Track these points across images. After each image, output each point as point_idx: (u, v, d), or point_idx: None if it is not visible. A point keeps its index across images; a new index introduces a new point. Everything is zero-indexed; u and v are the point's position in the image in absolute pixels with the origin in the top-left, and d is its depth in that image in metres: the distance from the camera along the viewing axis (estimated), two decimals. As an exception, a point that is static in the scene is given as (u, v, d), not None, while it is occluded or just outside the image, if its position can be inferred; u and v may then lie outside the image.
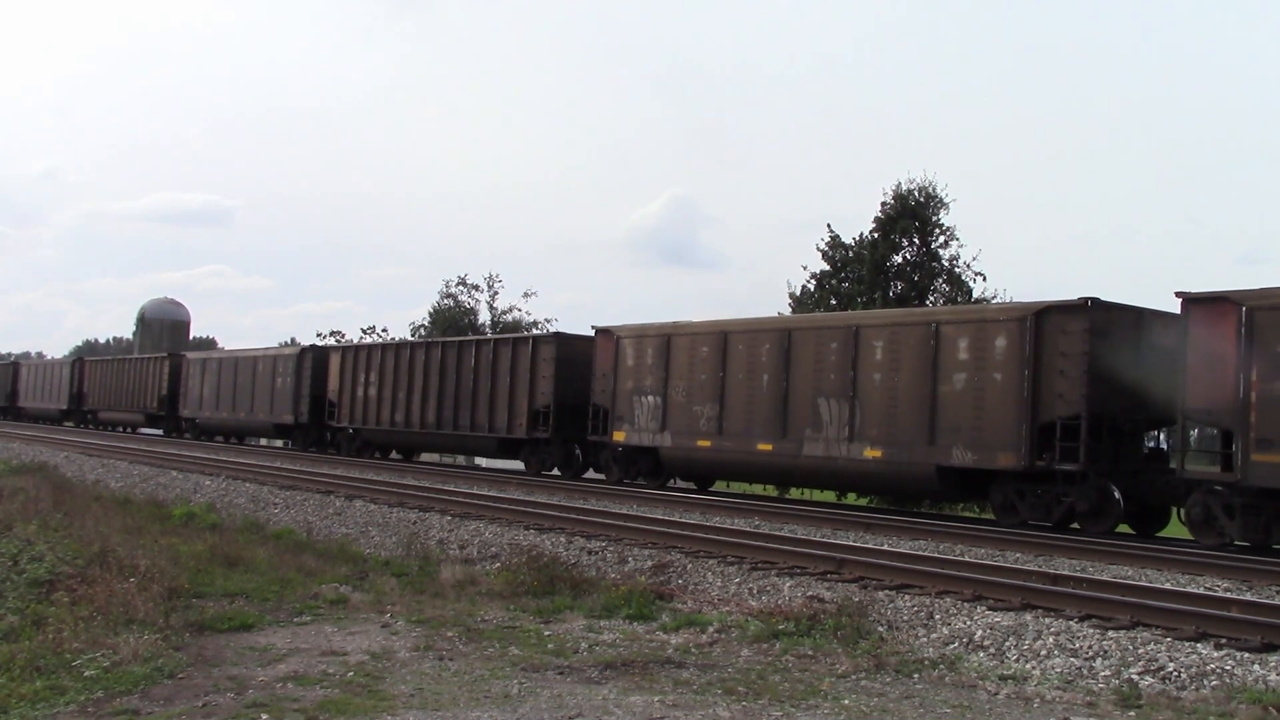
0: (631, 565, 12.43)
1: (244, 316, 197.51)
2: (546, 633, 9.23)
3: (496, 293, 53.44)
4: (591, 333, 24.62)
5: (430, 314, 53.89)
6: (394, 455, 33.22)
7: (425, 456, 35.78)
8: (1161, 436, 18.53)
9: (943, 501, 18.83)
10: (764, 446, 19.86)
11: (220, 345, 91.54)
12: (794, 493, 25.51)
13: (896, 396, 17.94)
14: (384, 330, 55.40)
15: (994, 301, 17.34)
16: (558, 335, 25.90)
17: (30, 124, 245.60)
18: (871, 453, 18.18)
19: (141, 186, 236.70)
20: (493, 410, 26.70)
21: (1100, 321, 16.00)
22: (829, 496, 26.52)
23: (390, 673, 7.70)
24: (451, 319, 51.98)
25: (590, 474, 25.87)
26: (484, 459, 34.94)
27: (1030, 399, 16.15)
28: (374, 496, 18.93)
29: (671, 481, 23.62)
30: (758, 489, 26.35)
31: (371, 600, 10.72)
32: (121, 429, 49.00)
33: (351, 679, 7.46)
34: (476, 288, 53.55)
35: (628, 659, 8.19)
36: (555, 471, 26.16)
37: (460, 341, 29.02)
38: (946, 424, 17.19)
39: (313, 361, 34.60)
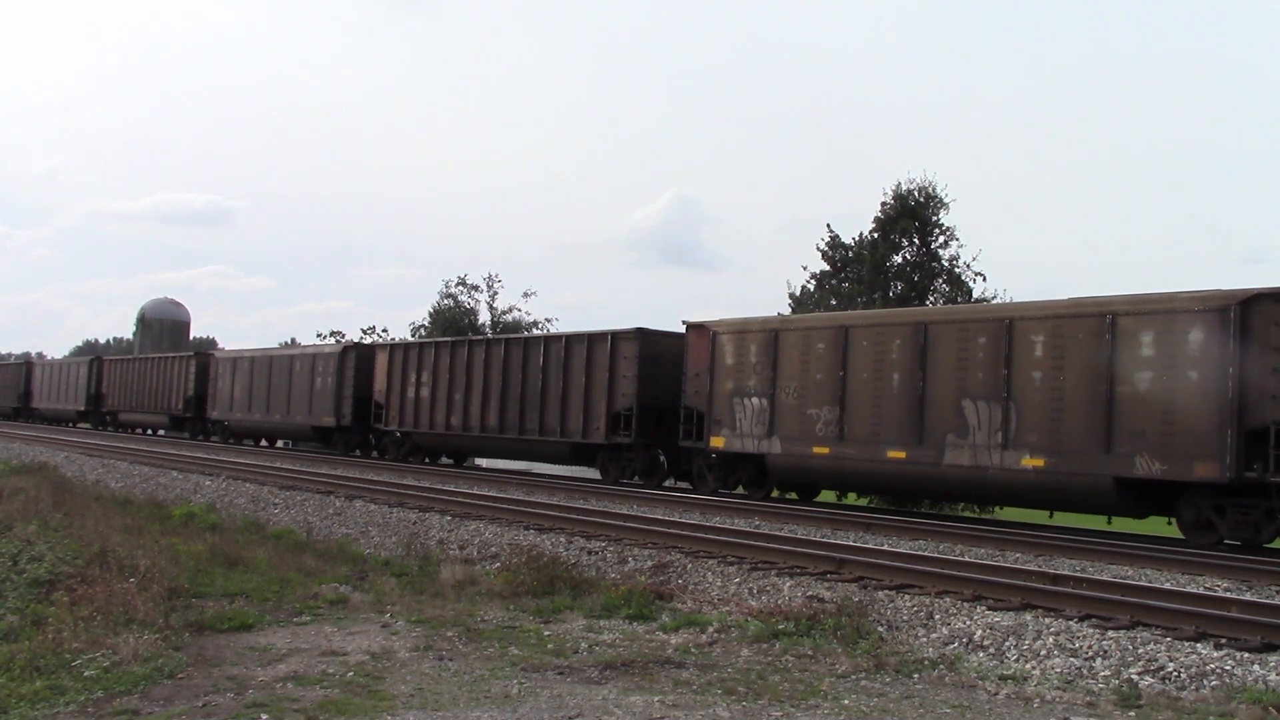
0: (631, 565, 12.43)
1: (245, 317, 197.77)
2: (546, 633, 9.23)
3: (496, 293, 53.51)
4: (662, 327, 23.37)
5: (430, 314, 53.95)
6: (444, 460, 31.32)
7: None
8: None
9: (1119, 516, 16.70)
10: (895, 454, 17.86)
11: (220, 345, 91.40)
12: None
13: (1062, 398, 15.94)
14: (384, 330, 55.46)
15: (1183, 292, 15.10)
16: (641, 331, 23.41)
17: (31, 123, 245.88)
18: (1031, 461, 16.15)
19: (143, 186, 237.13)
20: (565, 413, 24.57)
21: None
22: (829, 496, 26.44)
23: (390, 673, 7.70)
24: (451, 319, 51.98)
25: (667, 484, 23.95)
26: (491, 461, 33.37)
27: (1236, 401, 14.21)
28: (374, 496, 18.94)
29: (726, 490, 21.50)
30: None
31: (371, 600, 10.72)
32: (143, 431, 46.92)
33: (351, 679, 7.47)
34: (476, 288, 53.64)
35: (628, 659, 8.19)
36: (636, 480, 23.82)
37: (527, 338, 26.90)
38: (1127, 430, 15.15)
39: (356, 360, 32.46)
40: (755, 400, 20.26)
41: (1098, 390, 15.58)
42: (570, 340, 25.00)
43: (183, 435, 43.00)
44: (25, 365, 61.93)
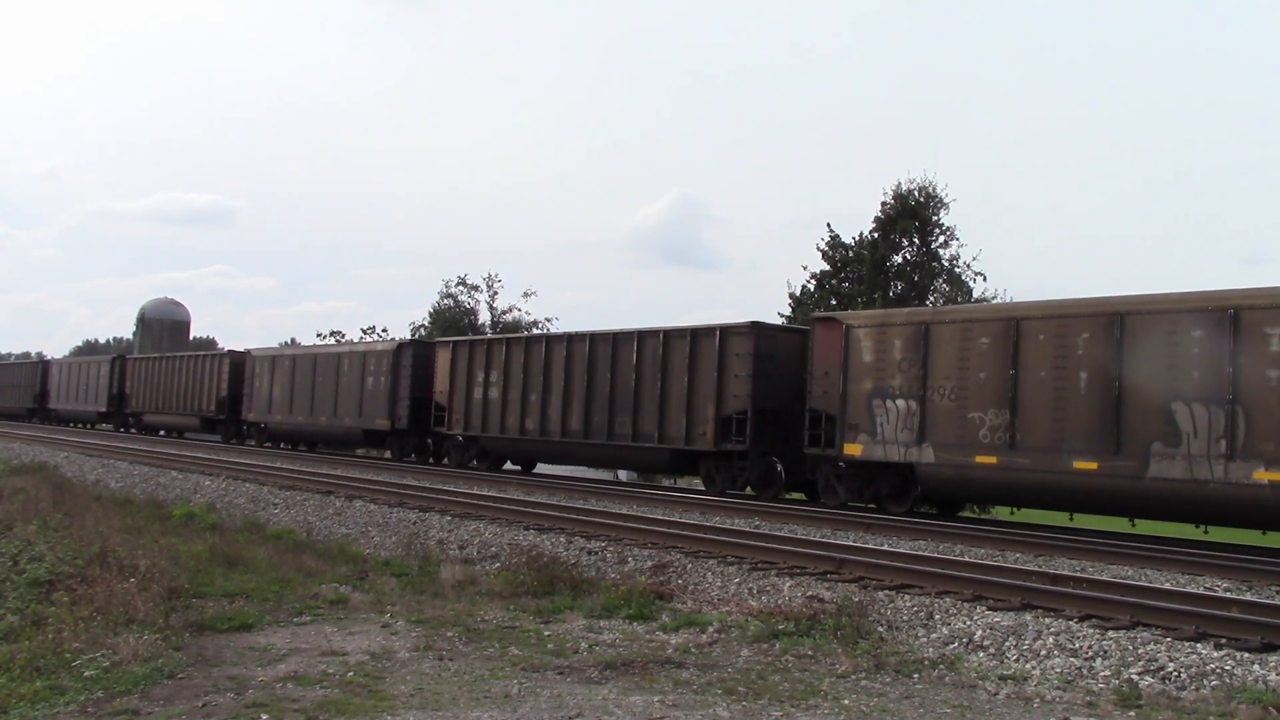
0: (631, 565, 12.43)
1: (246, 316, 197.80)
2: (546, 633, 9.24)
3: (496, 293, 53.65)
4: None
5: (430, 314, 54.04)
6: (507, 465, 29.07)
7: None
8: None
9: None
10: (1084, 465, 15.65)
11: (220, 345, 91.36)
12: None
13: None
14: (384, 330, 55.52)
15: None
16: (755, 325, 21.33)
17: (32, 123, 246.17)
18: (1267, 475, 14.02)
19: (144, 186, 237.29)
20: (663, 417, 22.31)
21: None
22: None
23: (390, 673, 7.70)
24: (451, 319, 52.06)
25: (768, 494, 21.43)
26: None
27: None
28: (374, 496, 18.95)
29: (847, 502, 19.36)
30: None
31: (371, 600, 10.73)
32: (171, 434, 44.93)
33: (351, 679, 7.47)
34: (476, 288, 53.78)
35: (628, 659, 8.19)
36: (748, 492, 21.69)
37: (616, 334, 24.15)
38: None
39: (413, 358, 30.22)
40: (900, 402, 18.02)
41: None
42: (669, 335, 22.71)
43: (215, 439, 41.39)
44: (41, 364, 60.29)
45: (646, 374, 22.92)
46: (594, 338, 24.65)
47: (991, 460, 16.75)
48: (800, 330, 21.31)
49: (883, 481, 18.83)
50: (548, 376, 25.34)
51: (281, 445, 37.35)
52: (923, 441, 17.71)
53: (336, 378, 33.08)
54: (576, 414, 24.45)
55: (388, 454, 36.12)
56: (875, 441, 18.37)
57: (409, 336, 47.69)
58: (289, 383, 35.46)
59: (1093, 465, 15.60)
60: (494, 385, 26.88)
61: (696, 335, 22.04)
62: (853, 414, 18.74)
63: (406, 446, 31.37)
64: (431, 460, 30.43)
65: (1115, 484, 15.41)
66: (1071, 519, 17.78)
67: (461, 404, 27.92)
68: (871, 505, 18.96)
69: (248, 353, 39.35)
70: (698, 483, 29.21)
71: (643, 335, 23.37)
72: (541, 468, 29.61)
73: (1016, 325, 16.75)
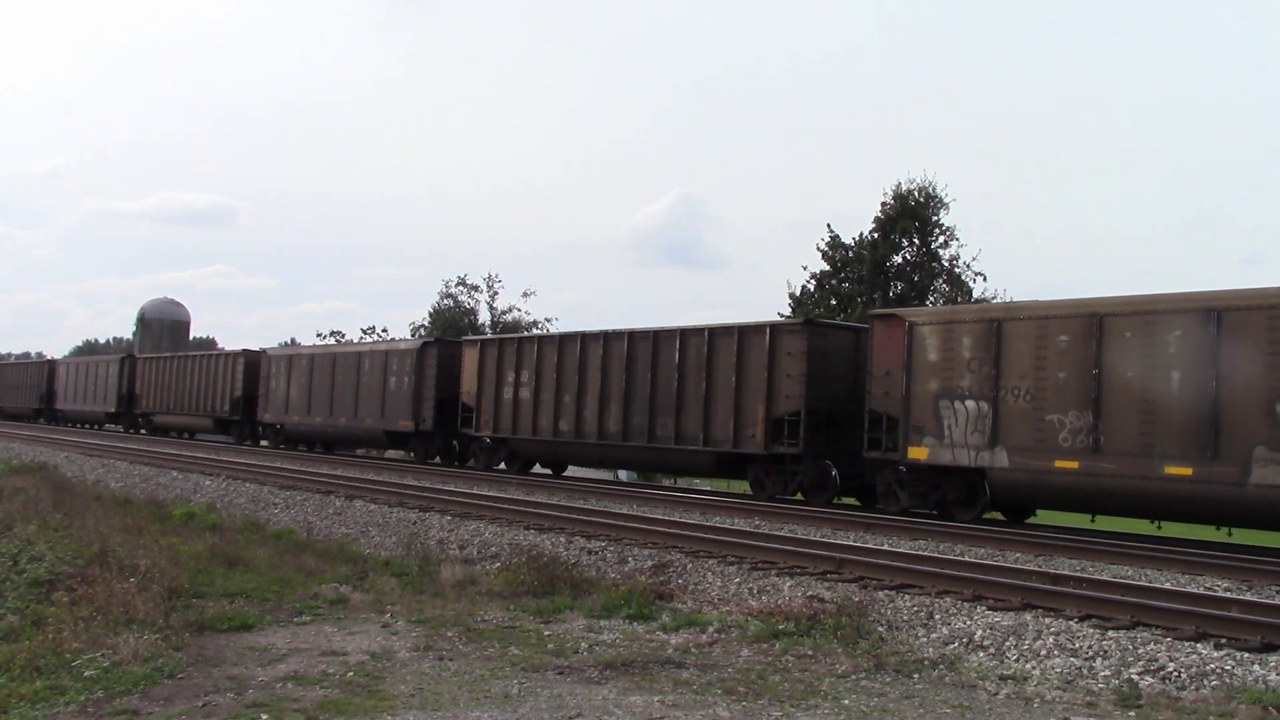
0: (631, 565, 12.44)
1: (246, 317, 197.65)
2: (546, 633, 9.24)
3: (496, 293, 53.71)
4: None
5: (430, 314, 54.08)
6: (536, 469, 28.05)
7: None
8: None
9: None
10: (1176, 470, 14.62)
11: (220, 345, 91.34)
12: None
13: None
14: (384, 330, 55.53)
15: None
16: (809, 322, 20.70)
17: (33, 123, 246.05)
18: None
19: (144, 186, 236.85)
20: (708, 418, 21.29)
21: None
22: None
23: (390, 673, 7.71)
24: (451, 319, 52.10)
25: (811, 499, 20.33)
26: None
27: None
28: (374, 496, 18.95)
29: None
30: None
31: (371, 600, 10.73)
32: (184, 435, 43.87)
33: (351, 679, 7.47)
34: (476, 288, 53.84)
35: (628, 659, 8.20)
36: (799, 497, 20.61)
37: (657, 332, 23.01)
38: None
39: (438, 358, 29.34)
40: (970, 404, 17.02)
41: None
42: (714, 334, 21.64)
43: (223, 439, 40.77)
44: (48, 364, 59.30)
45: (690, 373, 21.89)
46: (633, 335, 23.54)
47: (1073, 465, 15.75)
48: (853, 328, 20.96)
49: (949, 487, 17.73)
50: (583, 376, 24.27)
51: (299, 447, 36.57)
52: (995, 445, 16.69)
53: (357, 378, 32.11)
54: (614, 415, 23.43)
55: (389, 453, 35.92)
56: (942, 445, 17.39)
57: (409, 336, 47.63)
58: (307, 383, 34.50)
59: (1187, 471, 14.57)
60: (525, 385, 25.81)
61: (744, 333, 21.04)
62: (917, 415, 17.75)
63: (431, 448, 30.47)
64: (457, 463, 29.50)
65: (1212, 491, 14.38)
66: (1160, 527, 16.96)
67: (490, 405, 26.83)
68: (935, 512, 17.94)
69: (263, 352, 38.38)
70: (700, 484, 29.26)
71: (685, 333, 22.31)
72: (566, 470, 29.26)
73: (1099, 322, 15.69)
